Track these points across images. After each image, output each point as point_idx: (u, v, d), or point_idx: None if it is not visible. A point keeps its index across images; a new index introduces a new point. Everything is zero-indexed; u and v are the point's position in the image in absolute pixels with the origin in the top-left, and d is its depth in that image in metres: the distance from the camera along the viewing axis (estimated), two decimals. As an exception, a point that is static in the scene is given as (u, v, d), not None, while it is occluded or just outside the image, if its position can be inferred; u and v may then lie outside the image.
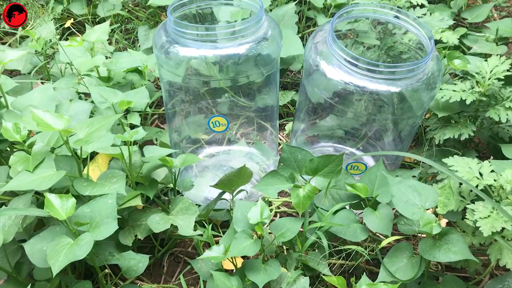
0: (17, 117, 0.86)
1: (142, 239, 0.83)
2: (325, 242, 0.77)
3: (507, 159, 0.91)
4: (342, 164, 0.81)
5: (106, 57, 1.21)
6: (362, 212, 0.79)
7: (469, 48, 1.24)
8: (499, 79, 0.90)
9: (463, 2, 1.37)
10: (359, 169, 0.92)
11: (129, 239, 0.83)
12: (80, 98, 1.07)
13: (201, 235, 0.86)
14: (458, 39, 1.18)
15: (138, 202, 0.82)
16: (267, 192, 0.81)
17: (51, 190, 0.78)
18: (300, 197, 0.78)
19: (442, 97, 0.90)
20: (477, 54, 1.19)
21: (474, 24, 1.37)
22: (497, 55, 0.95)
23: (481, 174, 0.77)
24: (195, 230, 0.83)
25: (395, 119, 0.85)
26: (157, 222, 0.82)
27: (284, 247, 0.87)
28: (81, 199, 0.79)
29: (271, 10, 1.24)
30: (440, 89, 0.92)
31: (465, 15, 1.37)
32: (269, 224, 0.83)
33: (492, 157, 0.96)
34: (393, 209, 0.82)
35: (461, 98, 0.89)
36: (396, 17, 0.86)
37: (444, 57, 0.99)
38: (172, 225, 0.83)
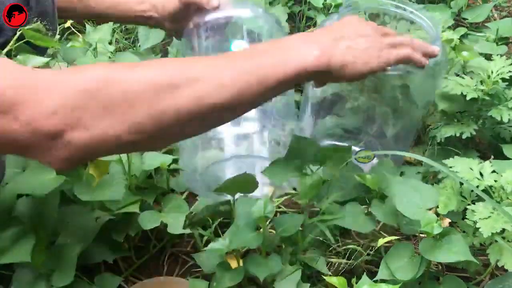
0: None
1: (132, 235, 0.85)
2: (328, 234, 0.78)
3: (508, 159, 0.91)
4: (351, 155, 0.82)
5: (109, 57, 1.21)
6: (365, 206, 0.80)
7: (469, 48, 1.24)
8: (504, 79, 0.90)
9: (463, 2, 1.37)
10: (368, 157, 0.93)
11: (121, 235, 0.84)
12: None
13: (201, 235, 0.86)
14: (459, 39, 1.18)
15: (136, 209, 0.83)
16: (274, 179, 0.81)
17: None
18: (306, 186, 0.79)
19: (445, 86, 0.90)
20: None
21: (474, 24, 1.37)
22: (497, 55, 0.95)
23: (481, 175, 0.77)
24: (187, 228, 0.85)
25: (396, 110, 0.85)
26: (148, 219, 0.83)
27: (284, 244, 0.87)
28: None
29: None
30: (446, 78, 0.92)
31: (465, 15, 1.37)
32: (271, 220, 0.84)
33: (493, 157, 0.96)
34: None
35: (461, 92, 0.89)
36: (402, 8, 0.86)
37: (453, 49, 0.99)
38: (162, 222, 0.84)
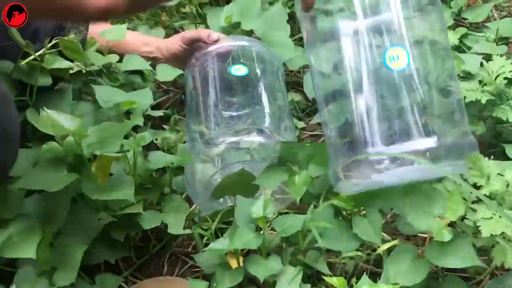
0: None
1: (133, 235, 0.86)
2: (319, 240, 0.78)
3: (511, 160, 0.91)
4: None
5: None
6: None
7: (469, 48, 1.24)
8: (506, 78, 0.90)
9: (463, 2, 1.37)
10: (400, 59, 0.77)
11: (121, 235, 0.85)
12: (81, 97, 1.07)
13: (202, 235, 0.86)
14: (459, 39, 1.18)
15: (139, 209, 0.83)
16: (267, 184, 0.83)
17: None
18: (295, 184, 0.80)
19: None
20: (477, 54, 1.19)
21: (474, 24, 1.37)
22: (497, 55, 0.95)
23: (488, 178, 0.76)
24: (187, 228, 0.85)
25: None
26: (148, 219, 0.84)
27: (284, 244, 0.87)
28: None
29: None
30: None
31: (465, 15, 1.37)
32: (271, 221, 0.84)
33: (492, 157, 0.96)
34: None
35: (476, 98, 0.88)
36: None
37: None
38: (162, 222, 0.85)
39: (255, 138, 0.91)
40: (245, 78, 1.01)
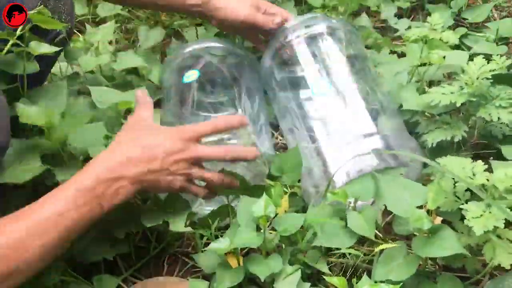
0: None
1: (135, 232, 0.86)
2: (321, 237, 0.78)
3: (506, 159, 0.91)
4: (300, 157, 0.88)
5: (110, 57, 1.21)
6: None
7: (469, 48, 1.24)
8: (487, 78, 0.90)
9: (463, 2, 1.37)
10: None
11: (122, 232, 0.85)
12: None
13: (202, 235, 0.86)
14: (459, 39, 1.18)
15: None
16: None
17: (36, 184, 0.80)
18: (273, 197, 0.82)
19: (431, 101, 0.90)
20: (477, 55, 1.19)
21: (474, 24, 1.37)
22: (497, 55, 0.95)
23: (474, 174, 0.77)
24: (187, 226, 0.85)
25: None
26: (150, 217, 0.84)
27: (284, 244, 0.87)
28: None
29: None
30: (429, 92, 0.94)
31: (465, 15, 1.37)
32: (272, 220, 0.84)
33: (492, 158, 0.96)
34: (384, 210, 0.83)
35: (450, 101, 0.89)
36: None
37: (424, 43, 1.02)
38: (164, 220, 0.84)
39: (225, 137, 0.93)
40: (225, 80, 1.02)
